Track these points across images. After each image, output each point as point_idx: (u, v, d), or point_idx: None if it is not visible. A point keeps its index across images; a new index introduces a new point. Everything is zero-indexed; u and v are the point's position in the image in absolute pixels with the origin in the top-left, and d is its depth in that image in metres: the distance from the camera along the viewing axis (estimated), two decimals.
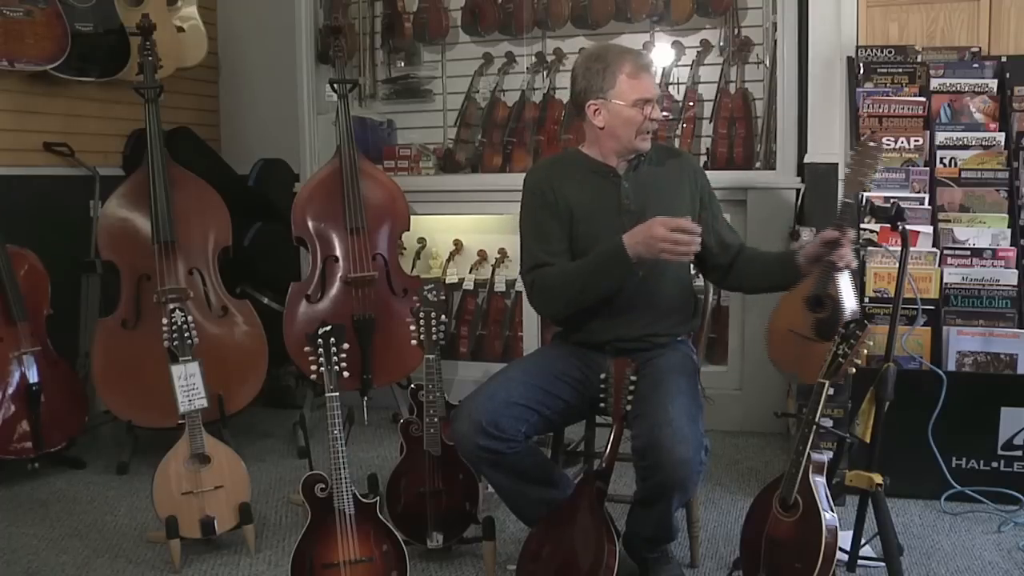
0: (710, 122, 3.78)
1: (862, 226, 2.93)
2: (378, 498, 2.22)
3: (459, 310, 4.11)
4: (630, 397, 2.04)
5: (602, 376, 2.09)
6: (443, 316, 2.38)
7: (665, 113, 3.80)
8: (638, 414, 2.04)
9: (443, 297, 2.42)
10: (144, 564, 2.50)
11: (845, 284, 2.12)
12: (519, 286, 3.77)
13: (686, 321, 2.34)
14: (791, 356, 2.13)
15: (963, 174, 3.04)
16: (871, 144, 2.14)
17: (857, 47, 3.31)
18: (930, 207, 2.99)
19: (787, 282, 2.22)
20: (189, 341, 2.48)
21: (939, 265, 2.88)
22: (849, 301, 2.11)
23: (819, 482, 1.98)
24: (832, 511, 1.96)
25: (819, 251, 2.09)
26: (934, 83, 3.18)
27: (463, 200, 3.88)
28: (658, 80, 3.82)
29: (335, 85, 3.53)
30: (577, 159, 2.33)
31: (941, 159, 3.07)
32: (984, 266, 2.86)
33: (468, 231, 4.10)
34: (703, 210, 2.31)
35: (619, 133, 2.23)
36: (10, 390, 3.09)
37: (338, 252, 3.43)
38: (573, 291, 2.17)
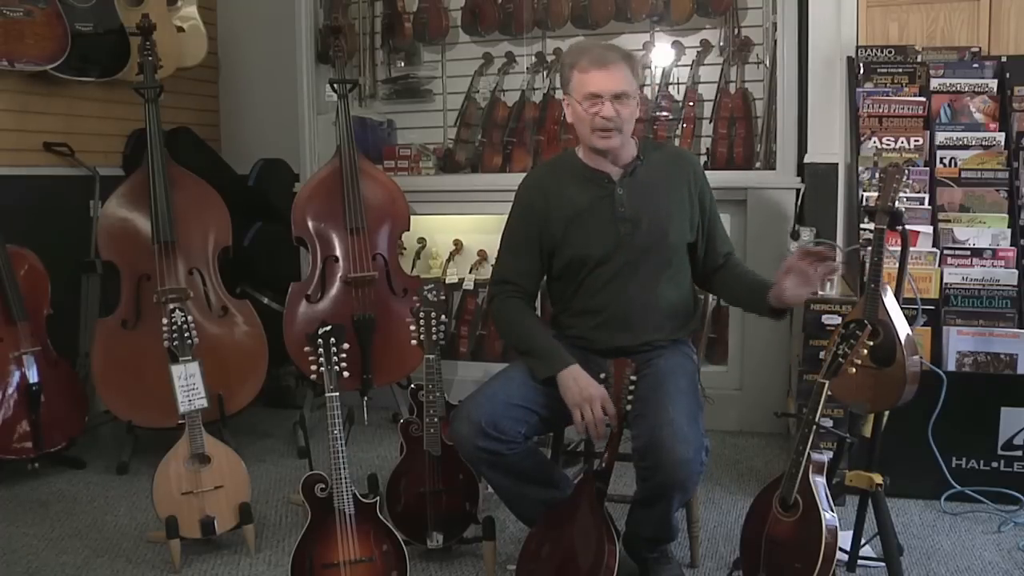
0: (710, 122, 3.78)
1: (861, 226, 2.93)
2: (378, 498, 2.22)
3: (459, 310, 4.11)
4: (630, 397, 2.05)
5: (602, 376, 2.09)
6: (443, 316, 2.38)
7: (665, 113, 3.81)
8: (638, 414, 2.04)
9: (443, 297, 2.42)
10: (144, 564, 2.50)
11: (893, 307, 2.12)
12: None
13: (686, 324, 2.34)
14: (852, 386, 2.16)
15: (963, 174, 3.03)
16: (891, 167, 2.17)
17: (857, 47, 3.31)
18: (930, 207, 2.99)
19: (756, 311, 2.21)
20: (189, 341, 2.48)
21: (939, 265, 2.88)
22: (902, 325, 2.12)
23: (819, 482, 1.98)
24: (832, 511, 1.96)
25: (786, 285, 2.07)
26: (934, 83, 3.18)
27: (463, 200, 3.88)
28: (657, 80, 3.83)
29: (335, 85, 3.53)
30: (572, 164, 2.31)
31: (941, 159, 3.07)
32: (984, 266, 2.86)
33: (468, 231, 4.10)
34: (702, 214, 2.30)
35: (580, 130, 2.23)
36: (10, 390, 3.09)
37: (338, 252, 3.43)
38: (511, 340, 2.34)
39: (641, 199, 2.23)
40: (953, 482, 2.72)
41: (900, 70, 3.22)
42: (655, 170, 2.27)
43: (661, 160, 2.29)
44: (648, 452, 1.98)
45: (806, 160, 3.41)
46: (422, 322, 2.35)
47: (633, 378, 2.05)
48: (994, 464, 2.72)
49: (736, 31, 3.74)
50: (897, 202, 2.15)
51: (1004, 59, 3.17)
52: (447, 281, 4.02)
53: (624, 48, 2.30)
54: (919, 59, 3.23)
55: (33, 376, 3.12)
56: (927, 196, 3.02)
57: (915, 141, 3.09)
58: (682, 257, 2.29)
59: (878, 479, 2.14)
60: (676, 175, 2.28)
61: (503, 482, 2.18)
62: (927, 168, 3.05)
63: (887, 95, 3.17)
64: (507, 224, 2.35)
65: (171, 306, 2.59)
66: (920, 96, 3.16)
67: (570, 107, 2.23)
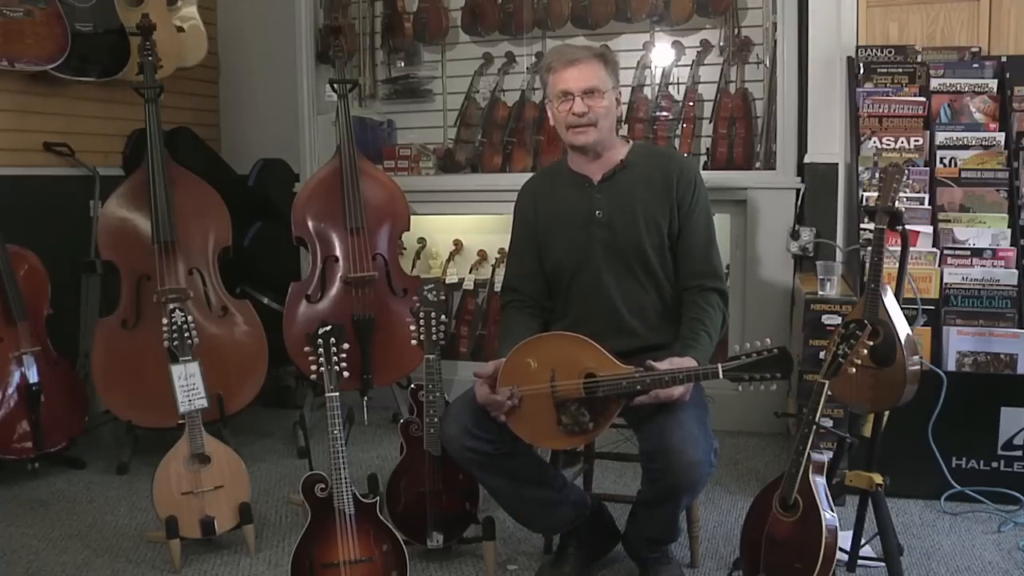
0: (710, 122, 3.78)
1: (861, 226, 2.93)
2: (378, 498, 2.22)
3: (459, 310, 4.11)
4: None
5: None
6: (443, 316, 2.38)
7: (665, 113, 3.81)
8: (646, 417, 2.04)
9: (443, 297, 2.42)
10: (144, 564, 2.50)
11: (893, 307, 2.12)
12: None
13: (679, 324, 2.31)
14: (852, 386, 2.16)
15: (963, 174, 3.03)
16: (891, 167, 2.18)
17: (857, 47, 3.30)
18: (930, 207, 2.99)
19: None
20: (189, 341, 2.48)
21: (939, 265, 2.88)
22: (902, 325, 2.12)
23: (819, 482, 1.98)
24: (832, 511, 1.96)
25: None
26: (934, 83, 3.17)
27: (463, 200, 3.88)
28: (657, 80, 3.84)
29: (335, 85, 3.53)
30: (561, 170, 2.33)
31: (941, 159, 3.06)
32: (984, 266, 2.86)
33: (468, 231, 4.11)
34: (679, 221, 2.21)
35: (560, 132, 2.24)
36: (10, 390, 3.09)
37: (338, 252, 3.43)
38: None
39: (618, 203, 2.22)
40: (953, 482, 2.72)
41: (900, 70, 3.22)
42: (639, 174, 2.23)
43: (648, 164, 2.25)
44: (658, 455, 1.98)
45: (806, 160, 3.41)
46: (422, 322, 2.35)
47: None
48: (994, 464, 2.72)
49: (736, 31, 3.74)
50: (897, 202, 2.15)
51: (1004, 59, 3.17)
52: (447, 281, 4.02)
53: (598, 47, 2.29)
54: (919, 59, 3.23)
55: (33, 376, 3.12)
56: (927, 196, 3.01)
57: (915, 141, 3.09)
58: (667, 260, 2.24)
59: (878, 479, 2.14)
60: (659, 179, 2.22)
61: (496, 483, 2.18)
62: (927, 168, 3.05)
63: (887, 95, 3.17)
64: (511, 232, 2.39)
65: (171, 306, 2.58)
66: (920, 96, 3.16)
67: (549, 113, 2.26)
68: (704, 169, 3.68)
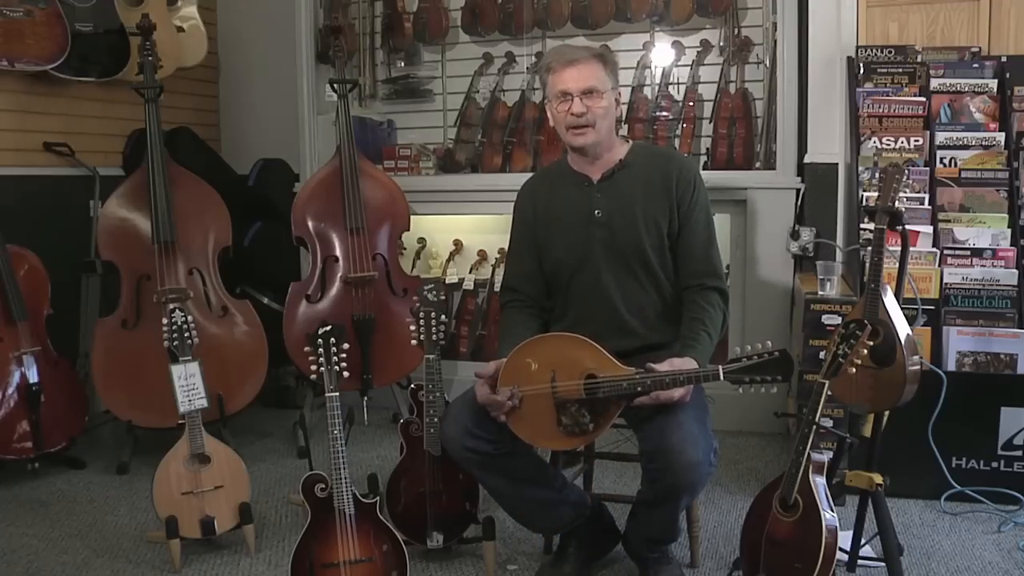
0: (710, 122, 3.78)
1: (861, 226, 2.93)
2: (378, 498, 2.22)
3: (459, 310, 4.11)
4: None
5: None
6: (443, 316, 2.38)
7: (665, 113, 3.81)
8: (646, 417, 2.04)
9: (443, 297, 2.42)
10: (144, 564, 2.50)
11: (893, 307, 2.13)
12: None
13: (679, 323, 2.31)
14: (852, 386, 2.16)
15: (963, 174, 3.03)
16: (891, 167, 2.19)
17: (857, 47, 3.31)
18: (930, 207, 2.99)
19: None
20: (189, 341, 2.48)
21: (939, 265, 2.88)
22: (902, 325, 2.12)
23: (819, 482, 1.98)
24: (832, 511, 1.96)
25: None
26: (934, 83, 3.17)
27: (463, 200, 3.88)
28: (657, 80, 3.84)
29: (335, 85, 3.53)
30: (561, 170, 2.33)
31: (941, 159, 3.06)
32: (984, 266, 2.86)
33: (468, 231, 4.11)
34: (677, 222, 2.21)
35: (559, 133, 2.24)
36: (10, 390, 3.09)
37: (338, 252, 3.43)
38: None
39: (618, 203, 2.22)
40: (953, 482, 2.72)
41: (900, 70, 3.22)
42: (638, 174, 2.23)
43: (647, 164, 2.25)
44: (658, 455, 1.98)
45: (806, 160, 3.41)
46: (422, 322, 2.35)
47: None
48: (994, 464, 2.72)
49: (736, 31, 3.74)
50: (897, 202, 2.15)
51: (1004, 59, 3.17)
52: (447, 281, 4.02)
53: (598, 47, 2.29)
54: (919, 59, 3.23)
55: (33, 376, 3.12)
56: (927, 196, 3.01)
57: (915, 141, 3.09)
58: (666, 260, 2.23)
59: (878, 479, 2.14)
60: (658, 179, 2.22)
61: (496, 483, 2.18)
62: (927, 168, 3.05)
63: (887, 95, 3.17)
64: (511, 232, 2.38)
65: (171, 306, 2.59)
66: (920, 96, 3.16)
67: (549, 111, 2.25)
68: (704, 169, 3.68)
